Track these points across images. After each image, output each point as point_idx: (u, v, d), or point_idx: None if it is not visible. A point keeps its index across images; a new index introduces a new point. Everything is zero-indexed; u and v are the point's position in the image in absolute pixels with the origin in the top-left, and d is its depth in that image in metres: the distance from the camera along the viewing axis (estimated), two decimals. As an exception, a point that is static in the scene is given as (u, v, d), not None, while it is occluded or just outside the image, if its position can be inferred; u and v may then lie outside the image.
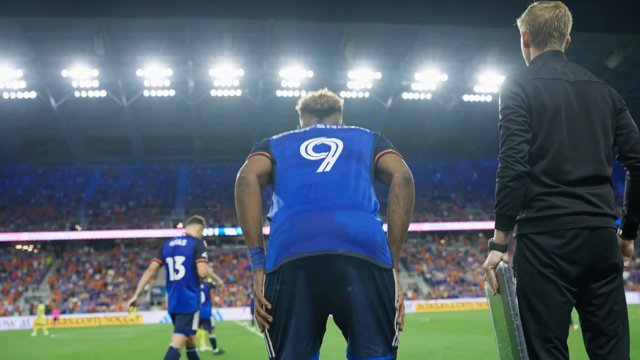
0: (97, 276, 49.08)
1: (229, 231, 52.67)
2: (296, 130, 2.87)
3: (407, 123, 62.10)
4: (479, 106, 59.68)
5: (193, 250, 7.26)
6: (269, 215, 2.63)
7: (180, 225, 53.94)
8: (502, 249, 2.59)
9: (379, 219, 2.59)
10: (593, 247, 2.53)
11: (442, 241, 57.91)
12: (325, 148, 2.68)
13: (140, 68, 49.24)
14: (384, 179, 2.67)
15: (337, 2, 55.84)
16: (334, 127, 2.85)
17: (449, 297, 47.57)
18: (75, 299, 45.34)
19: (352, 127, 2.87)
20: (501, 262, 2.58)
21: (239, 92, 53.12)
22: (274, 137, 2.82)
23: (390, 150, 2.71)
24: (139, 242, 54.11)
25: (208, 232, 52.53)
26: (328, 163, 2.61)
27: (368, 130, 2.83)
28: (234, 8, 49.99)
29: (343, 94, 53.38)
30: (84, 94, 51.11)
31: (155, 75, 49.52)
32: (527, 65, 2.94)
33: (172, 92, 52.26)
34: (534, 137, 2.63)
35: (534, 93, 2.66)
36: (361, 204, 2.51)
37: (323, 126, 2.85)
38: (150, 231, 52.61)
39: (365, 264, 2.40)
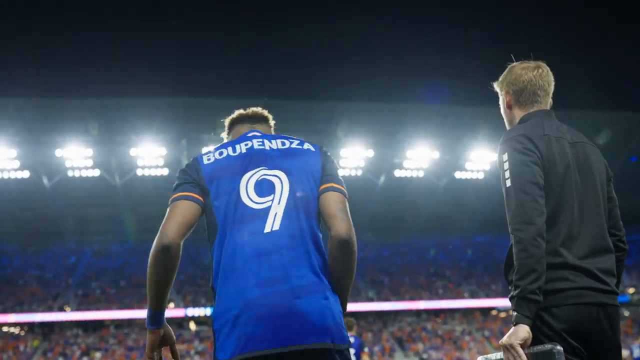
0: (85, 359, 47.69)
1: (221, 311, 51.71)
2: (228, 147, 2.56)
3: (400, 200, 62.14)
4: (471, 183, 59.97)
5: None
6: (214, 284, 2.39)
7: (171, 305, 52.94)
8: (530, 322, 2.35)
9: (332, 286, 2.36)
10: (601, 325, 2.37)
11: (438, 319, 56.90)
12: (269, 188, 2.41)
13: (134, 147, 49.49)
14: (322, 217, 2.45)
15: (329, 82, 56.91)
16: (273, 145, 2.55)
17: (447, 377, 46.35)
18: (61, 384, 43.91)
19: (292, 140, 2.60)
20: (549, 345, 2.30)
21: (232, 171, 53.18)
22: (204, 157, 2.52)
23: (333, 184, 2.47)
24: (129, 323, 52.91)
25: (200, 312, 51.57)
26: (275, 215, 2.35)
27: (312, 146, 2.57)
28: (228, 87, 50.80)
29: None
30: (77, 173, 51.11)
31: (148, 154, 49.73)
32: (510, 127, 2.81)
33: (165, 171, 52.31)
34: (546, 198, 2.45)
35: (546, 150, 2.50)
36: (317, 281, 2.31)
37: (260, 142, 2.55)
38: (141, 312, 51.54)
39: (328, 351, 2.22)
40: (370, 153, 52.56)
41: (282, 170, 2.44)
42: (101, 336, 51.10)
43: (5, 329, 51.94)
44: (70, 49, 52.25)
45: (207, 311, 51.72)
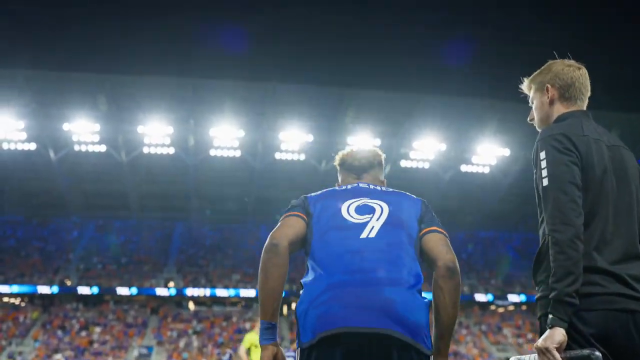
0: (83, 333, 48.03)
1: (221, 292, 51.91)
2: (336, 187, 2.70)
3: (405, 191, 61.91)
4: (476, 177, 59.87)
5: None
6: (303, 280, 2.39)
7: (171, 283, 53.18)
8: (566, 325, 2.29)
9: (425, 299, 2.39)
10: (629, 332, 2.33)
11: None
12: (369, 210, 2.47)
13: (141, 125, 49.54)
14: (425, 260, 2.49)
15: (339, 68, 56.69)
16: (378, 187, 2.67)
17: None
18: (58, 356, 44.21)
19: (396, 190, 2.70)
20: (587, 350, 2.25)
21: (238, 153, 53.28)
22: (313, 194, 2.61)
23: (435, 228, 2.54)
24: (128, 299, 53.21)
25: (199, 292, 51.80)
26: (372, 227, 2.39)
27: (414, 197, 2.68)
28: (238, 71, 50.65)
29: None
30: (83, 148, 51.24)
31: (155, 132, 49.79)
32: (544, 124, 2.76)
33: (171, 150, 52.40)
34: (582, 199, 2.41)
35: (585, 152, 2.44)
36: (408, 281, 2.34)
37: (366, 185, 2.66)
38: (141, 289, 51.81)
39: (408, 347, 2.21)
40: (377, 142, 52.35)
41: (384, 201, 2.52)
42: (100, 311, 51.41)
43: (5, 299, 52.29)
44: (82, 22, 52.15)
45: (207, 292, 51.97)
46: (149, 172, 57.54)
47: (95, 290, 50.63)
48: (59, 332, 47.65)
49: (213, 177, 59.08)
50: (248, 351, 9.85)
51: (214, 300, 54.01)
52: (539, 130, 2.82)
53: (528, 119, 2.91)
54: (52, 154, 51.65)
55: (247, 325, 50.10)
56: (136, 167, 55.99)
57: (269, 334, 2.31)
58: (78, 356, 44.47)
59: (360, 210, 2.46)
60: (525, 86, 2.89)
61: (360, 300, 2.18)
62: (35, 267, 53.60)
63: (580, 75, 2.70)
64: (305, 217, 2.49)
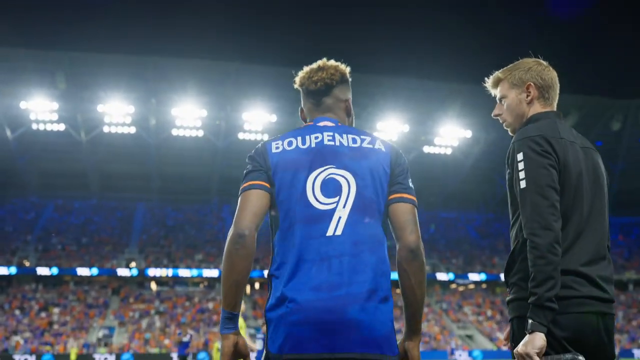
0: (43, 314, 47.39)
1: (183, 272, 51.63)
2: (298, 138, 2.46)
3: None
4: (439, 158, 60.56)
5: None
6: (271, 274, 2.34)
7: (133, 264, 52.71)
8: (546, 330, 2.29)
9: (390, 301, 2.38)
10: (600, 334, 2.36)
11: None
12: (335, 189, 2.33)
13: (101, 103, 48.77)
14: (390, 226, 2.44)
15: (302, 49, 56.44)
16: (343, 138, 2.45)
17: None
18: (17, 337, 43.58)
19: (364, 137, 2.50)
20: (569, 355, 2.27)
21: (200, 133, 52.90)
22: (273, 145, 2.44)
23: (403, 195, 2.44)
24: (89, 280, 52.61)
25: (161, 272, 51.45)
26: (339, 220, 2.29)
27: (383, 148, 2.48)
28: (200, 49, 50.09)
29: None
30: (41, 127, 50.23)
31: (116, 112, 49.08)
32: (517, 123, 2.72)
33: (132, 129, 51.75)
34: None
35: (563, 154, 2.43)
36: (374, 289, 2.31)
37: (330, 135, 2.45)
38: (102, 269, 51.22)
39: None
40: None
41: (350, 172, 2.36)
42: (60, 292, 50.73)
43: (-38, 280, 51.23)
44: (40, -2, 50.88)
45: (169, 272, 51.66)
46: (109, 151, 56.78)
47: (54, 271, 49.87)
48: (18, 313, 46.93)
49: (175, 157, 58.59)
50: None
51: (177, 280, 53.74)
52: (507, 127, 2.81)
53: (493, 114, 2.85)
54: (8, 133, 50.51)
55: (210, 305, 50.04)
56: (96, 146, 55.18)
57: (230, 323, 2.28)
58: (37, 337, 43.90)
59: (327, 188, 2.34)
60: (494, 81, 2.83)
61: (327, 325, 2.17)
62: (-7, 248, 52.57)
63: (555, 76, 2.70)
64: (265, 184, 2.37)
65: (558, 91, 2.69)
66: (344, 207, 2.32)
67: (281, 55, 53.18)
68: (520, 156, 2.43)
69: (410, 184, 2.51)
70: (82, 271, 50.37)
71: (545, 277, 2.27)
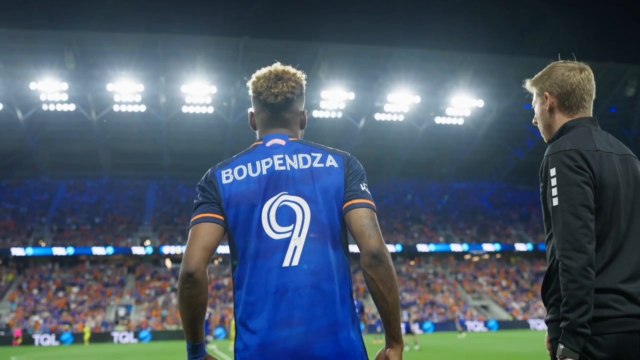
0: (60, 294, 47.89)
1: (198, 249, 51.79)
2: (248, 165, 2.34)
3: (379, 144, 62.23)
4: (451, 129, 60.18)
5: None
6: (235, 315, 2.28)
7: (147, 242, 53.03)
8: (578, 357, 2.22)
9: (357, 321, 2.27)
10: None
11: (412, 262, 57.77)
12: (290, 217, 2.24)
13: (110, 82, 48.70)
14: (350, 235, 2.30)
15: (312, 22, 55.92)
16: (293, 160, 2.34)
17: (419, 319, 47.33)
18: (36, 317, 44.11)
19: (315, 153, 2.37)
20: None
21: (210, 109, 52.77)
22: (223, 175, 2.33)
23: (358, 201, 2.29)
24: (105, 259, 53.03)
25: (176, 250, 51.72)
26: (295, 249, 2.21)
27: (335, 164, 2.34)
28: (208, 25, 49.77)
29: (316, 113, 53.33)
30: (52, 107, 50.29)
31: (126, 90, 49.02)
32: (548, 134, 2.59)
33: (142, 108, 51.70)
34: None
35: (598, 169, 2.30)
36: (336, 322, 2.18)
37: (281, 157, 2.34)
38: (117, 248, 51.56)
39: None
40: (352, 96, 52.19)
41: (303, 197, 2.26)
42: (77, 272, 51.19)
43: (-21, 262, 51.78)
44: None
45: (184, 249, 51.83)
46: (120, 130, 56.83)
47: (70, 251, 50.26)
48: (36, 294, 47.45)
49: (185, 134, 58.59)
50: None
51: (191, 257, 53.90)
52: (543, 135, 2.67)
53: (532, 122, 2.69)
54: (19, 114, 50.56)
55: (226, 281, 50.33)
56: (107, 125, 55.22)
57: (197, 352, 2.28)
58: (56, 317, 44.41)
59: (281, 217, 2.25)
60: (528, 87, 2.71)
61: None
62: (8, 230, 53.00)
63: (581, 80, 2.53)
64: (217, 216, 2.28)
65: (589, 94, 2.53)
66: (299, 235, 2.23)
67: (290, 28, 52.69)
68: (553, 172, 2.31)
69: (364, 188, 2.33)
70: (98, 250, 50.73)
71: (577, 302, 2.18)
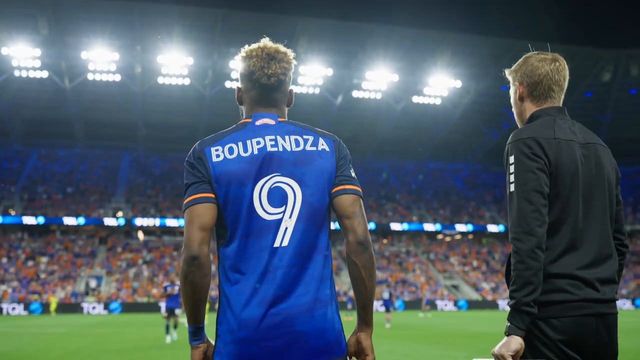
0: (30, 263, 47.35)
1: (171, 222, 51.57)
2: (239, 143, 2.33)
3: (356, 121, 62.12)
4: (428, 108, 60.25)
5: None
6: (220, 287, 2.29)
7: (120, 213, 52.54)
8: (523, 334, 2.30)
9: (335, 300, 2.34)
10: (600, 335, 2.35)
11: (385, 241, 58.11)
12: (282, 198, 2.28)
13: (85, 50, 47.84)
14: (337, 219, 2.36)
15: (293, -5, 55.32)
16: (285, 141, 2.36)
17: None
18: (4, 286, 43.60)
19: (307, 136, 2.39)
20: None
21: (187, 81, 52.17)
22: (213, 153, 2.31)
23: (347, 187, 2.35)
24: (76, 229, 52.47)
25: (149, 222, 51.37)
26: (286, 230, 2.26)
27: (327, 147, 2.38)
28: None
29: (294, 88, 52.69)
30: (24, 74, 49.30)
31: (100, 59, 48.22)
32: (520, 121, 2.69)
33: (117, 77, 50.92)
34: (550, 206, 2.37)
35: (555, 156, 2.38)
36: (317, 299, 2.26)
37: (272, 137, 2.35)
38: (89, 219, 51.03)
39: None
40: (330, 72, 51.92)
41: (295, 180, 2.30)
42: (47, 241, 50.61)
43: (-53, 229, 50.93)
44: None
45: (157, 221, 51.57)
46: (94, 99, 56.01)
47: (40, 220, 49.65)
48: (5, 262, 46.85)
49: (161, 106, 57.94)
50: None
51: (164, 230, 53.73)
52: (517, 123, 2.78)
53: (513, 109, 2.81)
54: (-10, 80, 49.53)
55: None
56: (80, 94, 54.36)
57: (198, 335, 2.30)
58: (25, 286, 43.93)
59: (273, 197, 2.28)
60: (506, 77, 2.81)
61: (276, 341, 2.18)
62: (-23, 197, 52.15)
63: (550, 70, 2.60)
64: (210, 195, 2.27)
65: (558, 84, 2.61)
66: (290, 216, 2.28)
67: (271, 2, 52.07)
68: (511, 159, 2.42)
69: (353, 174, 2.43)
70: (69, 220, 50.16)
71: (524, 282, 2.29)
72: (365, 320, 2.34)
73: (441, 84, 54.94)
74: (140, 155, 62.33)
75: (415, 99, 57.81)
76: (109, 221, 50.88)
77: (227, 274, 2.28)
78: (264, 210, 2.26)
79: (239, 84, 2.56)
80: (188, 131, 61.18)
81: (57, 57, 48.62)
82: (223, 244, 2.31)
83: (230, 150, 2.32)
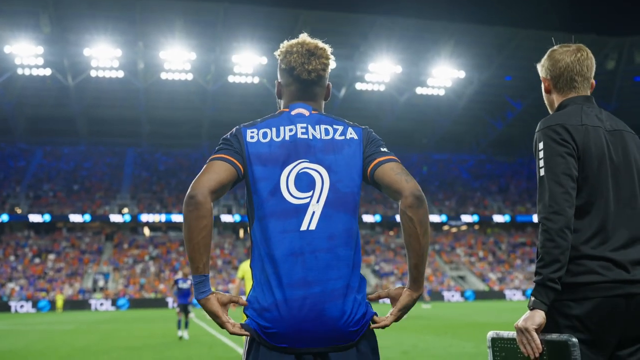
0: (37, 260, 47.50)
1: (176, 217, 51.63)
2: (272, 129, 2.42)
3: (359, 114, 61.97)
4: (432, 99, 60.09)
5: None
6: (252, 266, 2.32)
7: (125, 210, 52.63)
8: (546, 308, 2.36)
9: (364, 287, 2.37)
10: (628, 315, 2.39)
11: (391, 233, 58.08)
12: (309, 184, 2.33)
13: (87, 47, 47.86)
14: (386, 192, 2.39)
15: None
16: (316, 130, 2.44)
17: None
18: (12, 284, 43.75)
19: (337, 126, 2.46)
20: (565, 335, 2.33)
21: (190, 76, 52.10)
22: (248, 133, 2.40)
23: (385, 158, 2.40)
24: (82, 226, 52.60)
25: (154, 218, 51.45)
26: (313, 214, 2.30)
27: (355, 136, 2.45)
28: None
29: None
30: (27, 72, 49.32)
31: (103, 55, 48.23)
32: (551, 111, 2.76)
33: (120, 73, 50.91)
34: (579, 189, 2.45)
35: (582, 142, 2.46)
36: (349, 284, 2.29)
37: (304, 125, 2.44)
38: (95, 216, 51.13)
39: (349, 347, 2.28)
40: (333, 64, 51.60)
41: (324, 166, 2.37)
42: (53, 239, 50.75)
43: (-47, 228, 51.11)
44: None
45: (162, 217, 51.65)
46: (97, 96, 56.02)
47: (47, 217, 49.78)
48: (12, 260, 47.01)
49: (164, 101, 57.91)
50: (243, 281, 9.84)
51: (170, 225, 53.81)
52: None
53: None
54: (-6, 78, 49.57)
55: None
56: (84, 91, 54.37)
57: (203, 286, 2.25)
58: (32, 284, 44.09)
59: (300, 183, 2.33)
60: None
61: (303, 324, 2.21)
62: (-17, 196, 52.28)
63: (572, 61, 2.69)
64: (235, 161, 2.33)
65: (580, 75, 2.70)
66: (317, 201, 2.32)
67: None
68: (540, 145, 2.52)
69: (384, 149, 2.47)
70: (75, 217, 50.28)
71: (552, 259, 2.35)
72: (416, 279, 2.37)
73: (444, 75, 54.76)
74: (145, 151, 62.38)
75: (419, 90, 57.64)
76: (115, 218, 50.97)
77: (256, 254, 2.31)
78: (290, 194, 2.30)
79: (278, 79, 2.65)
80: (192, 126, 61.18)
81: (59, 54, 48.63)
82: (252, 225, 2.35)
83: (264, 135, 2.40)
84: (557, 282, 2.34)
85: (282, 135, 2.40)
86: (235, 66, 51.10)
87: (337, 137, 2.43)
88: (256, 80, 52.76)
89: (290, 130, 2.42)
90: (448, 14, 51.92)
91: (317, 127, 2.45)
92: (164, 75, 51.78)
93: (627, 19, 58.33)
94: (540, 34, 48.11)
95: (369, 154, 2.42)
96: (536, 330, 2.33)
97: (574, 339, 2.29)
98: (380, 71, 53.18)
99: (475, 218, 57.71)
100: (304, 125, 2.44)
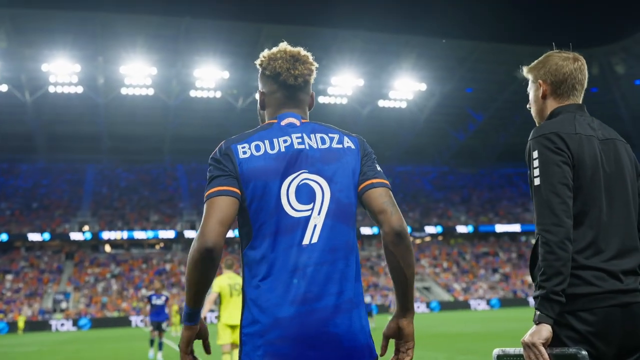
0: (-6, 281, 46.25)
1: (138, 234, 50.87)
2: (265, 142, 2.33)
3: (323, 127, 62.20)
4: (394, 112, 60.56)
5: None
6: (245, 285, 2.25)
7: (86, 227, 51.68)
8: (552, 322, 2.34)
9: (364, 302, 2.33)
10: (625, 325, 2.40)
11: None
12: (310, 195, 2.26)
13: (45, 62, 47.09)
14: (370, 216, 2.34)
15: (255, 2, 55.24)
16: (312, 139, 2.38)
17: (362, 301, 47.76)
18: (-31, 306, 42.49)
19: (332, 135, 2.42)
20: (573, 349, 2.32)
21: (151, 91, 51.63)
22: (239, 149, 2.29)
23: (377, 181, 2.35)
24: (41, 245, 51.44)
25: (116, 235, 50.62)
26: (315, 227, 2.24)
27: (352, 145, 2.41)
28: (149, 4, 48.41)
29: (258, 95, 52.83)
30: (-18, 88, 48.31)
31: (61, 71, 47.50)
32: (539, 118, 2.75)
33: (79, 89, 50.20)
34: (573, 199, 2.42)
35: (577, 150, 2.44)
36: (352, 298, 2.25)
37: (299, 135, 2.37)
38: (53, 234, 50.07)
39: None
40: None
41: (323, 177, 2.30)
42: (11, 258, 49.52)
43: None
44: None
45: (124, 234, 50.86)
46: (56, 112, 55.07)
47: (4, 237, 48.58)
48: (-32, 282, 45.70)
49: (125, 117, 57.18)
50: (218, 295, 9.16)
51: (132, 242, 53.00)
52: (535, 120, 2.84)
53: (527, 107, 2.87)
54: (-52, 95, 48.40)
55: (168, 266, 49.54)
56: (42, 107, 53.41)
57: (194, 317, 2.26)
58: (-11, 305, 42.86)
59: (300, 194, 2.26)
60: (524, 74, 2.89)
61: (308, 341, 2.15)
62: (-62, 215, 50.82)
63: (574, 69, 2.68)
64: (235, 189, 2.23)
65: (580, 83, 2.70)
66: (318, 213, 2.27)
67: (233, 8, 51.88)
68: (535, 154, 2.49)
69: (379, 169, 2.44)
70: (34, 236, 49.18)
71: (554, 272, 2.33)
72: (406, 306, 2.38)
73: (406, 88, 55.29)
74: (106, 168, 61.46)
75: (381, 103, 58.10)
76: (75, 235, 50.00)
77: (254, 275, 2.22)
78: (292, 207, 2.24)
79: (261, 89, 2.56)
80: (153, 141, 60.54)
81: (16, 70, 47.76)
82: (248, 245, 2.26)
83: (257, 148, 2.31)
84: (561, 294, 2.33)
85: (276, 147, 2.32)
86: (197, 80, 50.82)
87: (334, 145, 2.39)
88: (218, 94, 52.53)
89: (285, 141, 2.34)
90: (410, 27, 52.48)
91: (312, 136, 2.40)
92: (124, 91, 51.20)
93: (586, 31, 59.65)
94: (501, 47, 49.02)
95: (364, 171, 2.38)
96: (543, 344, 2.31)
97: (584, 352, 2.29)
98: (342, 84, 53.45)
99: (439, 229, 58.13)
100: (299, 135, 2.38)
